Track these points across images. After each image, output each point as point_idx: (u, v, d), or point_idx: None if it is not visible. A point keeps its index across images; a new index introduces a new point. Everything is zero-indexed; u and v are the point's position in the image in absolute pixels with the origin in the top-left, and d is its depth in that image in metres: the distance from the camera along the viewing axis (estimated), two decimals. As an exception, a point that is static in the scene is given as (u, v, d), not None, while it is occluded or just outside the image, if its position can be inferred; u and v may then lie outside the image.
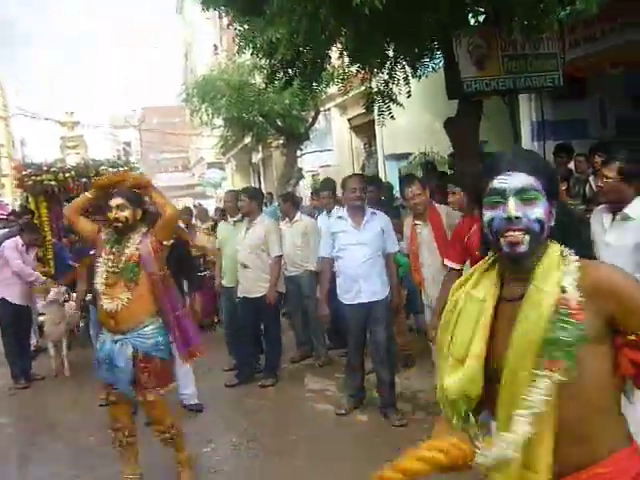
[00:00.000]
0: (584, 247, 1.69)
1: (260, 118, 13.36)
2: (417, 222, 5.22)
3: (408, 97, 7.59)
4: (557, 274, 1.55)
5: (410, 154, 11.83)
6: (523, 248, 1.57)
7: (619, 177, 3.57)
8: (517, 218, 1.56)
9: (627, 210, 3.55)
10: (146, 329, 3.99)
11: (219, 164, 28.21)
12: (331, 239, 5.25)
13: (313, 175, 16.03)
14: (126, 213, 4.03)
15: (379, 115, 7.76)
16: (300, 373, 6.82)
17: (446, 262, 4.45)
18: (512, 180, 1.59)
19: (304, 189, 15.58)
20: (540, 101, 9.99)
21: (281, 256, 6.50)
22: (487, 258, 1.74)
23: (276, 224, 6.92)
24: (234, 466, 4.70)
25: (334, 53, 7.12)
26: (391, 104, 7.61)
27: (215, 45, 25.39)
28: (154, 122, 41.97)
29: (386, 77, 7.37)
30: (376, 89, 7.70)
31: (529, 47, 6.16)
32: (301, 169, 14.89)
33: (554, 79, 6.42)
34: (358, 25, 4.77)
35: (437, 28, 5.38)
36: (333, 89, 10.79)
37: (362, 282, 5.07)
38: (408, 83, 7.42)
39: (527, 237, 1.56)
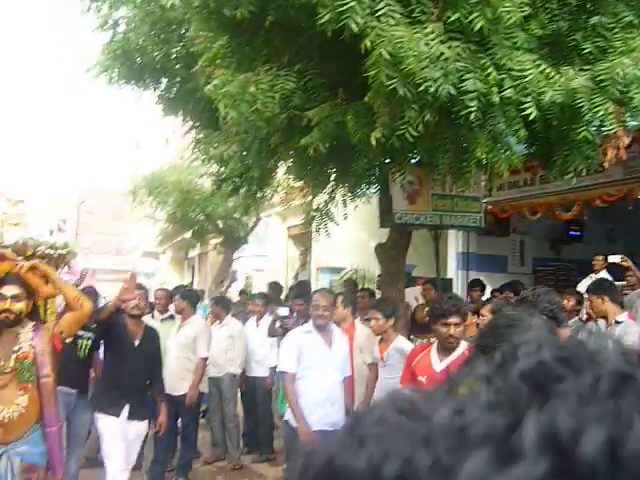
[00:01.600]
0: None
1: (202, 217, 13.77)
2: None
3: (345, 219, 8.12)
4: None
5: (343, 269, 12.34)
6: None
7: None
8: None
9: None
10: (33, 436, 3.50)
11: (154, 254, 28.23)
12: (297, 353, 4.58)
13: (246, 278, 16.34)
14: (21, 305, 3.51)
15: (316, 231, 8.21)
16: (211, 475, 6.83)
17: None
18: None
19: (235, 290, 15.82)
20: (467, 235, 10.79)
21: (207, 358, 6.67)
22: None
23: (207, 326, 7.13)
24: None
25: (280, 169, 7.65)
26: (328, 221, 8.09)
27: (167, 139, 26.04)
28: (93, 203, 41.78)
29: (326, 197, 7.89)
30: (315, 207, 8.20)
31: (456, 189, 6.82)
32: (235, 271, 15.19)
33: (476, 220, 7.06)
34: (303, 156, 5.27)
35: (374, 166, 5.96)
36: (275, 198, 11.34)
37: (329, 407, 4.47)
38: (346, 205, 7.96)
39: None
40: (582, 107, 3.82)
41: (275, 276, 12.85)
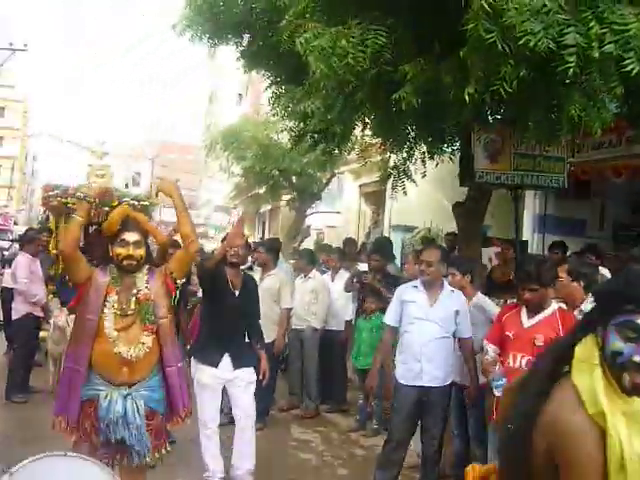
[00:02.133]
0: None
1: (277, 172, 13.93)
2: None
3: (423, 177, 8.08)
4: None
5: (415, 227, 12.31)
6: None
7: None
8: None
9: None
10: (153, 380, 3.58)
11: (226, 208, 28.77)
12: (400, 308, 4.71)
13: (318, 234, 16.50)
14: (141, 251, 3.60)
15: (393, 189, 8.20)
16: (286, 422, 7.09)
17: (484, 343, 4.29)
18: None
19: (307, 246, 16.06)
20: (545, 197, 10.55)
21: (291, 308, 6.83)
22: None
23: (290, 278, 7.28)
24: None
25: (359, 126, 7.64)
26: (405, 180, 8.07)
27: (240, 94, 26.25)
28: (169, 157, 42.71)
29: (404, 155, 7.86)
30: (393, 164, 8.18)
31: (539, 149, 6.67)
32: (309, 227, 15.36)
33: (559, 181, 6.88)
34: (388, 112, 5.26)
35: (457, 122, 5.89)
36: (351, 155, 11.34)
37: (425, 363, 4.53)
38: (425, 164, 7.91)
39: None
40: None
41: (347, 233, 12.95)
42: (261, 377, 4.98)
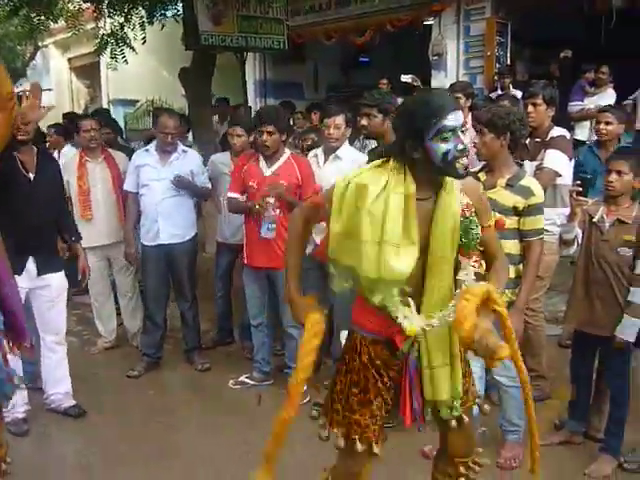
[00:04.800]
0: None
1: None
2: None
3: (143, 43, 7.73)
4: (457, 190, 2.03)
5: (137, 101, 11.90)
6: (470, 168, 2.07)
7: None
8: (465, 148, 1.95)
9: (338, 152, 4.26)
10: None
11: None
12: (135, 173, 4.65)
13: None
14: None
15: (112, 58, 7.70)
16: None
17: (229, 193, 4.31)
18: (459, 118, 1.94)
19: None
20: (264, 63, 10.85)
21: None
22: (374, 164, 2.06)
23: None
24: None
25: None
26: (125, 48, 7.60)
27: None
28: None
29: (122, 20, 7.39)
30: (110, 31, 7.65)
31: (260, 11, 6.81)
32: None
33: (280, 42, 7.17)
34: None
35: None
36: (55, 25, 10.29)
37: (162, 221, 4.56)
38: (144, 28, 7.53)
39: (465, 161, 1.98)
40: None
41: (62, 111, 12.01)
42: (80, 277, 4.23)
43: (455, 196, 2.02)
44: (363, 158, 4.09)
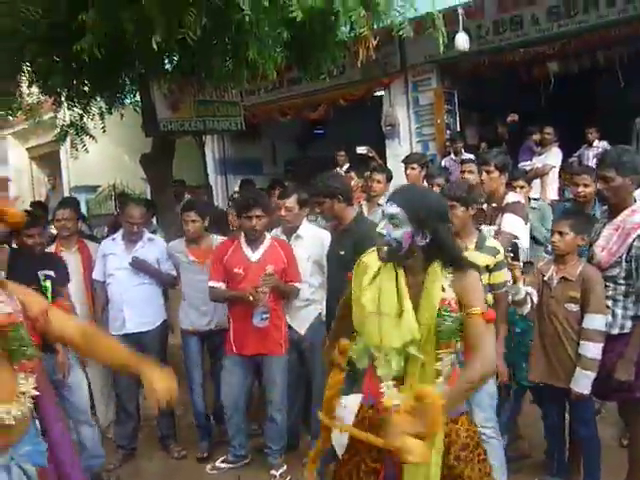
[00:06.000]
0: (456, 259, 2.21)
1: None
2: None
3: (103, 132, 7.85)
4: (439, 282, 2.12)
5: (99, 186, 11.97)
6: (382, 255, 2.17)
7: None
8: (381, 235, 2.15)
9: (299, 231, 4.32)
10: (31, 427, 2.25)
11: None
12: (102, 262, 4.67)
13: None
14: None
15: (72, 147, 7.81)
16: None
17: (210, 283, 4.23)
18: (388, 208, 2.16)
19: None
20: (222, 142, 11.10)
21: None
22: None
23: None
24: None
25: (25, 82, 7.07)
26: (85, 137, 7.71)
27: None
28: None
29: (80, 111, 7.51)
30: (70, 121, 7.77)
31: (216, 95, 7.02)
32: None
33: (237, 123, 7.36)
34: (65, 66, 5.01)
35: (135, 74, 5.88)
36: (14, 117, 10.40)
37: (127, 310, 4.53)
38: (103, 118, 7.67)
39: (385, 249, 2.15)
40: (338, 12, 4.20)
41: (23, 201, 12.00)
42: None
43: (437, 287, 2.13)
44: (325, 234, 4.20)
